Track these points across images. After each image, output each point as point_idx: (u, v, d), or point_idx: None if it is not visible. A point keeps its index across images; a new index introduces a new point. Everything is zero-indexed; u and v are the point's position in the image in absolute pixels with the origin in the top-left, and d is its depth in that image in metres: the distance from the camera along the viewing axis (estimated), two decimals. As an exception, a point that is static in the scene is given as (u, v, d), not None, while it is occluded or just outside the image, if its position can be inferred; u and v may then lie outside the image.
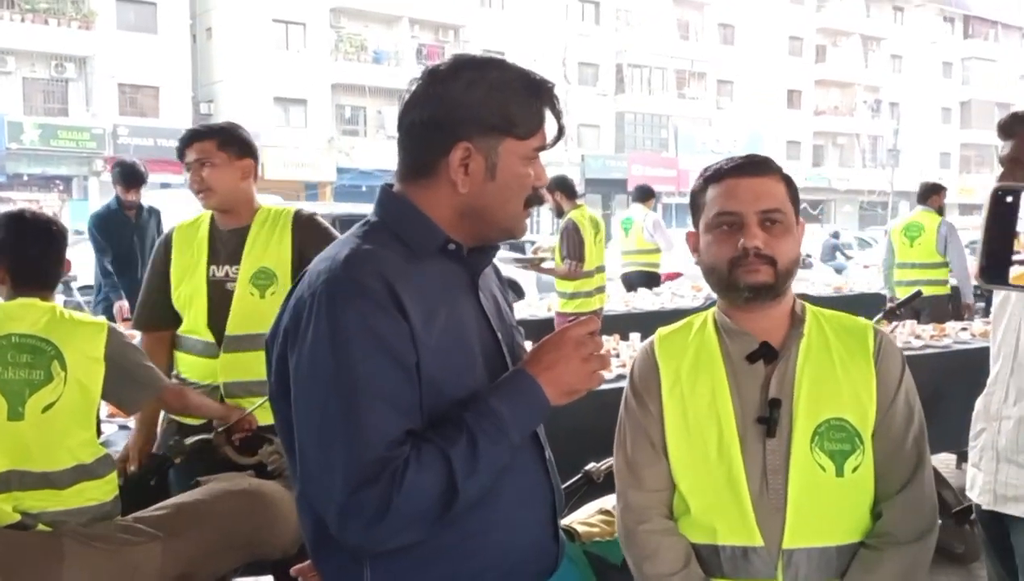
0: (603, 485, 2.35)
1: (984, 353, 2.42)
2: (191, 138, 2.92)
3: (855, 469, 1.65)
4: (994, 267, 1.09)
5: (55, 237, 2.54)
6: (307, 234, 2.92)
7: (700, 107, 40.89)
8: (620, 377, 4.07)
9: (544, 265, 6.80)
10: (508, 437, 1.39)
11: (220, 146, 2.89)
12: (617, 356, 4.35)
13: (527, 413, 1.43)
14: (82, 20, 27.88)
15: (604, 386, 4.13)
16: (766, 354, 1.70)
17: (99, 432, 2.57)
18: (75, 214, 23.03)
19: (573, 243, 6.32)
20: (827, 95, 45.46)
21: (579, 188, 6.80)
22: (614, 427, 2.59)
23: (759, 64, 42.02)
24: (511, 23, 34.30)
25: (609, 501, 2.26)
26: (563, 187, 6.50)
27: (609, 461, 2.40)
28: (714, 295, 6.62)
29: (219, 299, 2.88)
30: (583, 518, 2.19)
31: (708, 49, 40.99)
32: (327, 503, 1.33)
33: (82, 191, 27.58)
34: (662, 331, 1.85)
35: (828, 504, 1.64)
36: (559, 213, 6.53)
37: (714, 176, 1.73)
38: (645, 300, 7.63)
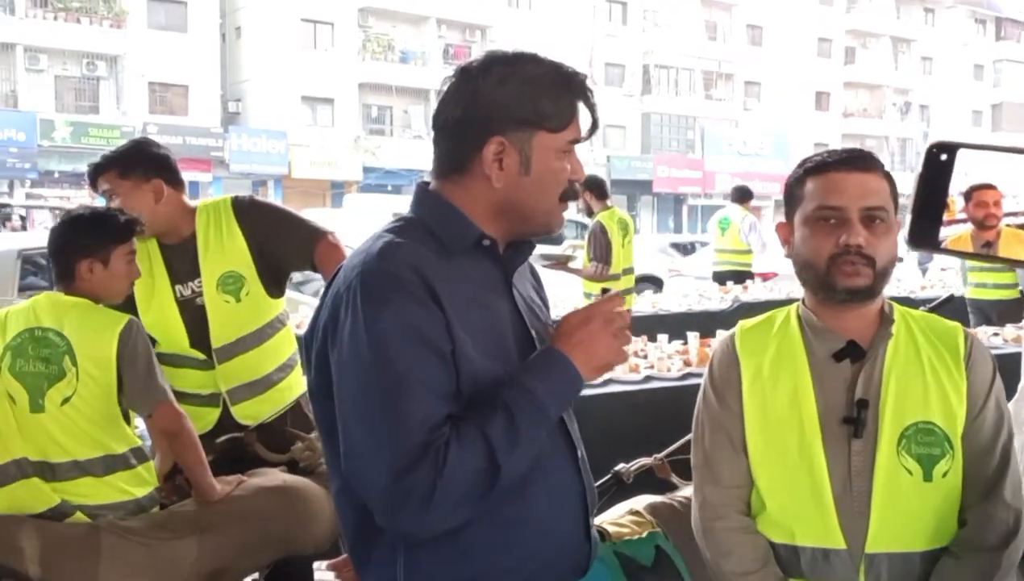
0: (633, 486, 2.35)
1: (1016, 358, 2.40)
2: (95, 172, 2.75)
3: (945, 474, 1.61)
4: (924, 229, 1.04)
5: (72, 234, 2.50)
6: (253, 218, 2.81)
7: (727, 109, 40.67)
8: (649, 378, 4.07)
9: (571, 265, 6.79)
10: (545, 412, 1.40)
11: (122, 174, 2.73)
12: (645, 358, 4.33)
13: (562, 389, 1.43)
14: (113, 19, 28.17)
15: (632, 387, 4.14)
16: (853, 353, 1.66)
17: (128, 421, 2.55)
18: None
19: (600, 246, 6.32)
20: (856, 97, 45.08)
21: (604, 189, 6.80)
22: (644, 428, 2.60)
23: (787, 65, 41.72)
24: (538, 23, 34.26)
25: (639, 502, 2.27)
26: (594, 187, 6.50)
27: (639, 461, 2.41)
28: (743, 298, 6.64)
29: (195, 317, 2.78)
30: (613, 518, 2.19)
31: (736, 50, 40.75)
32: (373, 491, 1.35)
33: (112, 189, 27.80)
34: (744, 325, 1.81)
35: (913, 509, 1.61)
36: (588, 213, 6.53)
37: (816, 168, 1.68)
38: (672, 302, 7.61)
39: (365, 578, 1.52)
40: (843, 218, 1.62)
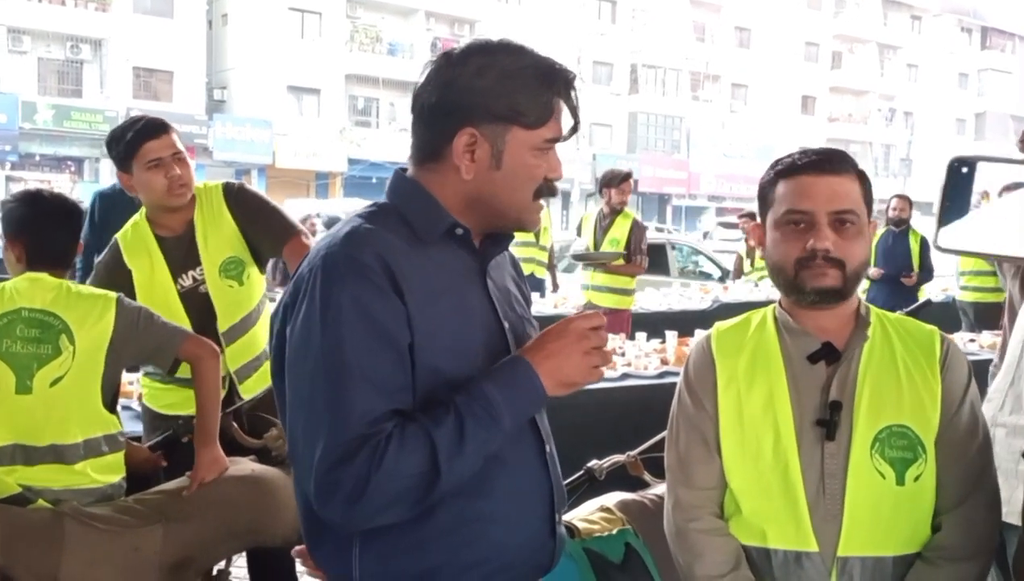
0: (605, 482, 2.34)
1: (989, 365, 2.41)
2: (161, 129, 2.80)
3: (917, 478, 1.60)
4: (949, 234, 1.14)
5: (72, 217, 2.53)
6: (240, 205, 2.90)
7: (713, 110, 40.80)
8: (626, 375, 4.07)
9: (613, 264, 6.48)
10: (499, 423, 1.36)
11: (180, 139, 2.88)
12: (623, 355, 4.34)
13: (522, 401, 1.40)
14: (99, 2, 27.96)
15: (607, 384, 4.14)
16: (828, 355, 1.65)
17: (115, 407, 2.53)
18: (86, 196, 23.07)
19: (646, 240, 6.32)
20: (841, 102, 45.30)
21: (590, 187, 6.71)
22: (619, 425, 2.59)
23: (774, 68, 41.87)
24: (527, 19, 34.21)
25: (610, 499, 2.26)
26: (625, 181, 6.56)
27: (612, 458, 2.40)
28: (723, 298, 6.67)
29: (198, 306, 2.83)
30: (583, 515, 2.17)
31: (723, 52, 40.88)
32: (308, 479, 1.33)
33: (93, 173, 27.64)
34: (720, 326, 1.80)
35: (886, 512, 1.60)
36: (619, 210, 6.38)
37: (786, 171, 1.67)
38: (651, 300, 7.63)
39: (321, 566, 1.50)
40: (811, 222, 1.62)
